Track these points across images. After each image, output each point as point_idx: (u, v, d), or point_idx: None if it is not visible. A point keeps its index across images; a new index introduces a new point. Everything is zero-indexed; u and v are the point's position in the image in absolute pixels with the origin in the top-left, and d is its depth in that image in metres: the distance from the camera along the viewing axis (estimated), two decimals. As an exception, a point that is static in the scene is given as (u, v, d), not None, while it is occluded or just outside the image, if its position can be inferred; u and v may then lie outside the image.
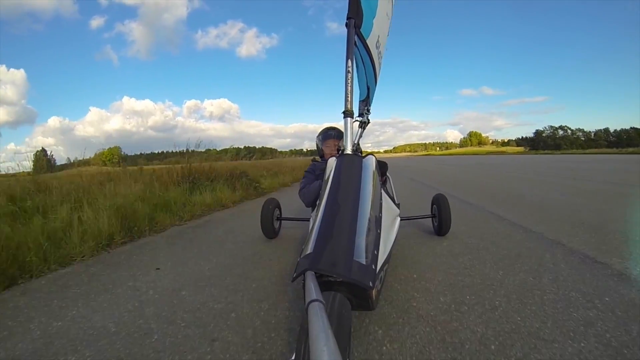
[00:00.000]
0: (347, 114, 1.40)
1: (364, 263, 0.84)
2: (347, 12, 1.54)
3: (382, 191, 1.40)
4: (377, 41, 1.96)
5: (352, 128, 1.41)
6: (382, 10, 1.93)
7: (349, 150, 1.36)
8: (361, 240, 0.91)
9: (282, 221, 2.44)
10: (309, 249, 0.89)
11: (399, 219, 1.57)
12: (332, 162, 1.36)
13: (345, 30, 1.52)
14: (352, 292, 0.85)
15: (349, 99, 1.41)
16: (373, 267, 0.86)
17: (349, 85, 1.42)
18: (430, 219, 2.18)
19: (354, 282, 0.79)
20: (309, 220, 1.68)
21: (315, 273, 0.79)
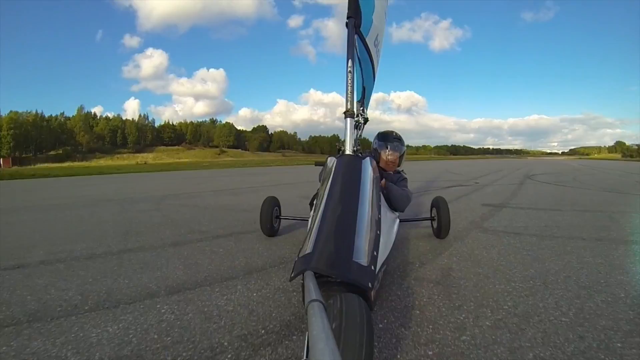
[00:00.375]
0: (348, 114, 1.40)
1: (363, 264, 0.84)
2: (347, 11, 1.54)
3: (381, 193, 1.40)
4: (376, 39, 1.96)
5: (352, 128, 1.42)
6: (380, 6, 1.92)
7: (348, 151, 1.36)
8: (360, 241, 0.91)
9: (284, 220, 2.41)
10: (308, 248, 0.88)
11: (398, 220, 1.58)
12: (331, 162, 1.36)
13: (345, 29, 1.52)
14: (351, 292, 0.85)
15: (350, 98, 1.41)
16: (372, 268, 0.86)
17: (350, 85, 1.42)
18: (430, 221, 2.15)
19: (353, 282, 0.80)
20: (307, 220, 1.68)
21: (314, 273, 0.79)
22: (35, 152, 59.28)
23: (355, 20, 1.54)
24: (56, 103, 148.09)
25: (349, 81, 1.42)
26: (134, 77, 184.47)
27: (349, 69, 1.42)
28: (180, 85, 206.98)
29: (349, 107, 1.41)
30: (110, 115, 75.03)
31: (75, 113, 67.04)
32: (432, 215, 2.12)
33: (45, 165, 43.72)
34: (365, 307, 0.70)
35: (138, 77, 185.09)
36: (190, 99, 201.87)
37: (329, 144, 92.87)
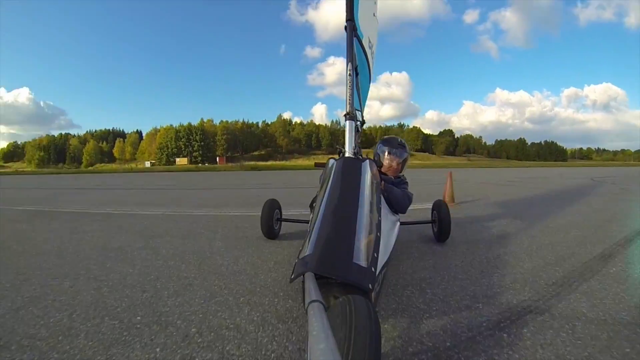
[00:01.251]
0: (348, 116, 1.41)
1: (364, 265, 0.85)
2: (345, 14, 1.54)
3: (382, 196, 1.40)
4: (369, 41, 1.96)
5: (352, 131, 1.43)
6: (367, 7, 1.91)
7: (348, 153, 1.37)
8: (360, 243, 0.91)
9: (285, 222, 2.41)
10: (308, 250, 0.88)
11: (398, 223, 1.58)
12: (331, 164, 1.37)
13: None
14: (351, 294, 0.86)
15: (350, 101, 1.42)
16: (372, 269, 0.86)
17: (350, 87, 1.43)
18: (430, 224, 2.15)
19: (353, 283, 0.80)
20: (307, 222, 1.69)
21: (314, 274, 0.78)
22: (242, 153, 75.25)
23: (354, 23, 1.54)
24: (254, 111, 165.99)
25: (349, 84, 1.43)
26: (319, 84, 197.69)
27: (348, 72, 1.43)
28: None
29: (349, 109, 1.42)
30: (299, 120, 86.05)
31: (275, 120, 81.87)
32: (433, 218, 2.11)
33: (253, 163, 53.22)
34: (372, 308, 0.70)
35: (323, 83, 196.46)
36: (376, 102, 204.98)
37: (515, 149, 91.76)
